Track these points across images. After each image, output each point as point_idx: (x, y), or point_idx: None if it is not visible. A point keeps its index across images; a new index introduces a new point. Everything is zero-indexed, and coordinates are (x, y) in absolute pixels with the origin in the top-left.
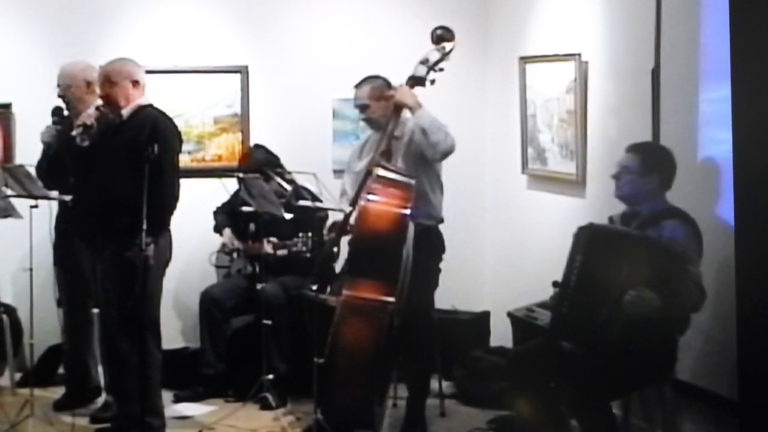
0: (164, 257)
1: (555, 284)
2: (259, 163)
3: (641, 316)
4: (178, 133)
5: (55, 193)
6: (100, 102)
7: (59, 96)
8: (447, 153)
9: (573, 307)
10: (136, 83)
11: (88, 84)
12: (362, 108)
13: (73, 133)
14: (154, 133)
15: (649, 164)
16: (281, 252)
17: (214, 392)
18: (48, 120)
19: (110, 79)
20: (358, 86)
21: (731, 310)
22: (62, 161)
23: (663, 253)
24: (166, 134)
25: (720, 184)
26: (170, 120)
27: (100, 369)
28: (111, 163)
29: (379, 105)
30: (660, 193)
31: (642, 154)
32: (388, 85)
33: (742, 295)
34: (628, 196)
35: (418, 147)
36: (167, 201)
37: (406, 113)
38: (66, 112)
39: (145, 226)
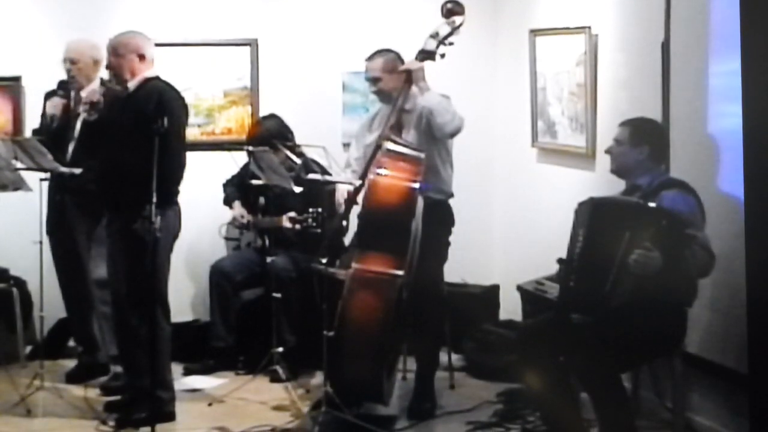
0: (172, 230)
1: (560, 261)
2: (269, 133)
3: (647, 277)
4: (185, 105)
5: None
6: (105, 76)
7: (66, 70)
8: (454, 133)
9: (580, 280)
10: (142, 57)
11: (95, 62)
12: (374, 80)
13: (80, 109)
14: (161, 106)
15: (639, 135)
16: (297, 227)
17: (223, 365)
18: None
19: (116, 52)
20: (370, 59)
21: (739, 283)
22: (64, 134)
23: (664, 218)
24: (172, 106)
25: (729, 157)
26: (176, 92)
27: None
28: (118, 137)
29: (391, 78)
30: (655, 165)
31: (631, 127)
32: (400, 58)
33: (752, 268)
34: (620, 167)
35: (428, 123)
36: (173, 173)
37: (415, 87)
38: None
39: (155, 199)
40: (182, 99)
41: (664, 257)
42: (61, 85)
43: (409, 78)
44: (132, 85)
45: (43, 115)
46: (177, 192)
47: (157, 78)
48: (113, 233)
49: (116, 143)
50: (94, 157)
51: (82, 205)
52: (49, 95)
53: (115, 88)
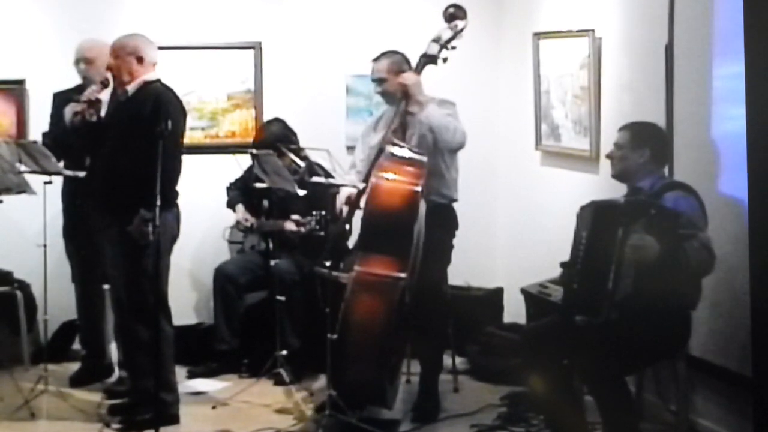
0: (171, 233)
1: (563, 265)
2: (274, 137)
3: (647, 267)
4: (182, 108)
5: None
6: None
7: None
8: (458, 148)
9: (583, 282)
10: (140, 59)
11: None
12: (379, 81)
13: (78, 109)
14: (157, 108)
15: (639, 139)
16: (301, 230)
17: (227, 368)
18: None
19: (115, 54)
20: (376, 60)
21: (743, 285)
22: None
23: (652, 208)
24: (169, 109)
25: (733, 160)
26: (175, 95)
27: (112, 345)
28: (116, 139)
29: (397, 79)
30: (656, 169)
31: (631, 131)
32: (406, 60)
33: (755, 271)
34: (621, 171)
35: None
36: (170, 176)
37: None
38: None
39: (159, 202)
40: (180, 102)
41: (660, 244)
42: (81, 89)
43: (407, 92)
44: (131, 88)
45: (59, 120)
46: (175, 195)
47: (158, 81)
48: (111, 236)
49: (113, 146)
50: (95, 159)
51: (101, 208)
52: (56, 96)
53: (117, 91)
